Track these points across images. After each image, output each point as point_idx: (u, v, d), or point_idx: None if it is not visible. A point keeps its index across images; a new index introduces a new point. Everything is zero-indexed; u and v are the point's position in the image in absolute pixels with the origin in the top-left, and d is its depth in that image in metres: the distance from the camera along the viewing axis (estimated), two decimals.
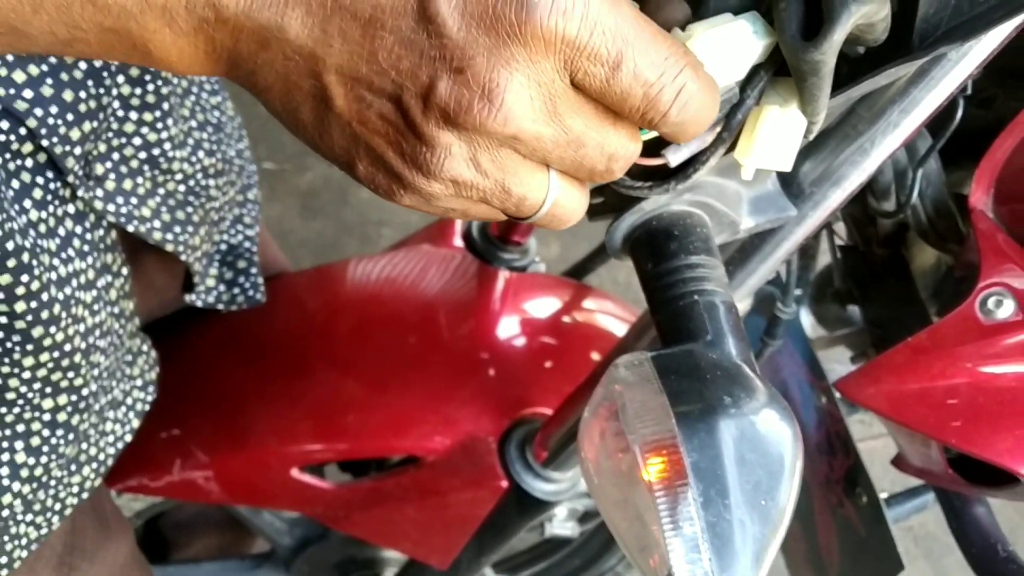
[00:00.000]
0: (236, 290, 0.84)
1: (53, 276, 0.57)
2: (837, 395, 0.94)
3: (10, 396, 0.58)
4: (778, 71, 0.44)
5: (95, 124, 0.59)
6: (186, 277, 0.80)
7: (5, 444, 0.59)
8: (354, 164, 0.38)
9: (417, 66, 0.34)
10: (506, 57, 0.34)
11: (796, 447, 0.43)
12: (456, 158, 0.36)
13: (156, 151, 0.66)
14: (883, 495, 0.93)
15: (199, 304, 0.81)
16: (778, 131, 0.44)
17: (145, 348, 0.70)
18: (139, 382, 0.70)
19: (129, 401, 0.69)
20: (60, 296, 0.57)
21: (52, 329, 0.57)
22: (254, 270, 0.85)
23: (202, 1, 0.33)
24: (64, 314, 0.57)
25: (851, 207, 0.78)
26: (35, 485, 0.61)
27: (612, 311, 0.97)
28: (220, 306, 0.83)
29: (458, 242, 0.95)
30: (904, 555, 0.86)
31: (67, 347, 0.58)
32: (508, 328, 0.89)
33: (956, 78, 0.48)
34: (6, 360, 0.56)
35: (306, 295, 0.92)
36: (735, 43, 0.41)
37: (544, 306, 0.93)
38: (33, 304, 0.54)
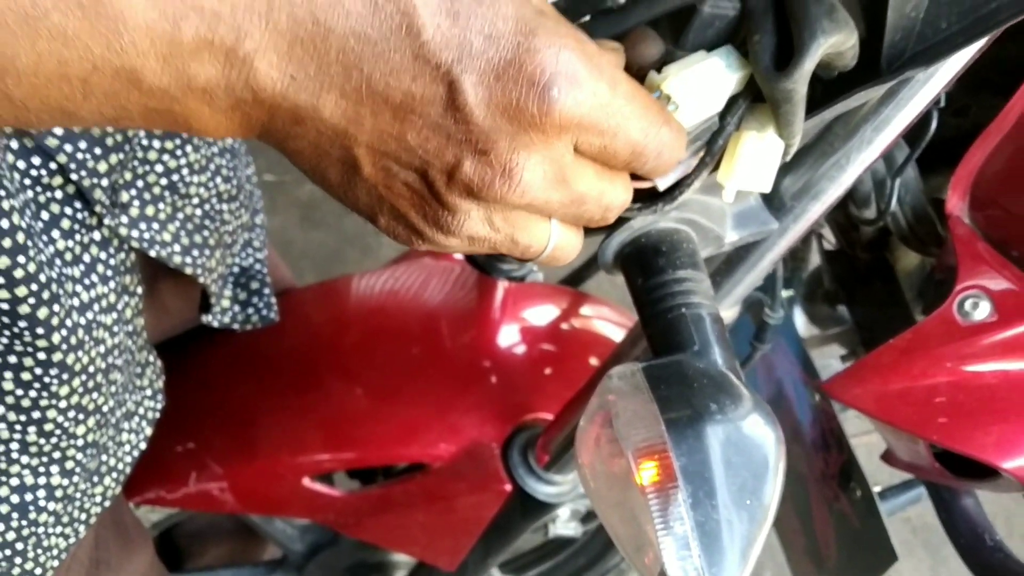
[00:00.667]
0: (250, 310, 0.87)
1: (76, 302, 0.59)
2: None
3: (48, 427, 0.60)
4: (756, 98, 0.47)
5: (121, 156, 0.62)
6: (202, 299, 0.83)
7: (42, 470, 0.62)
8: (376, 218, 0.42)
9: (444, 147, 0.38)
10: (525, 141, 0.38)
11: (779, 450, 0.46)
12: (474, 220, 0.41)
13: (176, 177, 0.69)
14: (877, 488, 0.96)
15: (215, 324, 0.84)
16: (757, 154, 0.47)
17: (152, 359, 0.73)
18: (148, 392, 0.73)
19: (141, 411, 0.72)
20: (83, 321, 0.59)
21: (80, 354, 0.59)
22: (267, 290, 0.88)
23: (240, 84, 0.35)
24: (87, 338, 0.60)
25: (835, 214, 0.81)
26: (66, 502, 0.64)
27: (609, 317, 1.00)
28: (235, 326, 0.86)
29: (458, 255, 0.98)
30: (902, 545, 0.89)
31: (91, 369, 0.61)
32: (508, 337, 0.92)
33: (925, 97, 0.51)
34: (44, 394, 0.59)
35: (313, 310, 0.95)
36: (708, 80, 0.44)
37: (543, 314, 0.96)
38: (64, 332, 0.57)
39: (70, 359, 0.59)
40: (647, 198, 0.49)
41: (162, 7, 0.32)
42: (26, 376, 0.57)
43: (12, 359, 0.56)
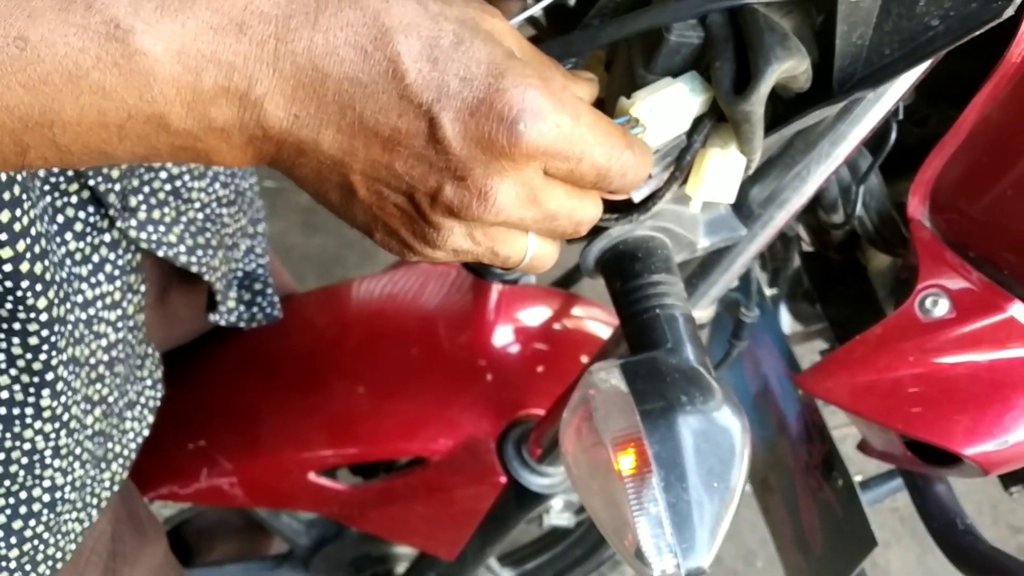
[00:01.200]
0: (255, 309, 0.92)
1: (79, 299, 0.65)
2: None
3: (73, 424, 0.65)
4: (720, 118, 0.51)
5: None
6: (208, 300, 0.88)
7: (66, 465, 0.67)
8: (372, 233, 0.48)
9: (427, 173, 0.43)
10: (498, 168, 0.43)
11: (744, 438, 0.50)
12: (457, 235, 0.46)
13: (178, 183, 0.74)
14: (859, 478, 0.99)
15: (223, 323, 0.89)
16: (721, 169, 0.52)
17: (150, 351, 0.79)
18: (148, 382, 0.78)
19: (143, 400, 0.77)
20: (84, 316, 0.65)
21: (81, 348, 0.65)
22: (270, 290, 0.93)
23: (252, 123, 0.41)
24: (87, 332, 0.65)
25: (808, 218, 0.85)
26: (81, 490, 0.70)
27: (598, 317, 1.04)
28: (242, 324, 0.91)
29: None
30: (890, 535, 0.91)
31: (92, 360, 0.67)
32: (502, 337, 0.96)
33: (876, 114, 0.56)
34: (68, 391, 0.64)
35: (316, 314, 0.99)
36: (673, 103, 0.49)
37: (535, 315, 1.00)
38: (68, 328, 0.62)
39: (78, 352, 0.64)
40: (623, 209, 0.54)
41: (185, 62, 0.38)
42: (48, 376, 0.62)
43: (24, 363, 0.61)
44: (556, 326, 1.00)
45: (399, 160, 0.43)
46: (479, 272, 0.87)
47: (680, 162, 0.52)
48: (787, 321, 1.16)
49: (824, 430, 1.00)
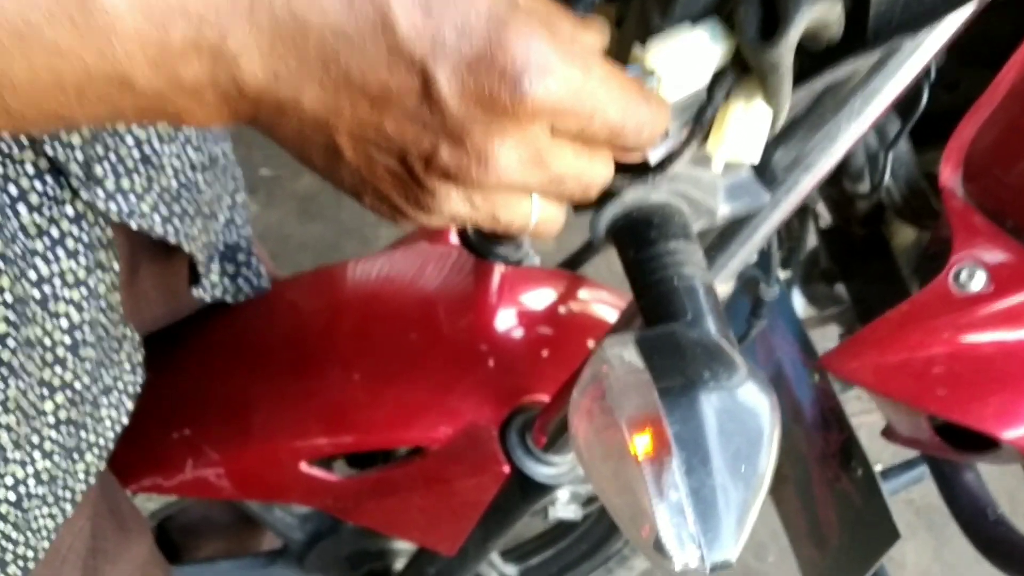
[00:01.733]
0: (240, 280, 0.88)
1: (32, 276, 0.60)
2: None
3: (30, 412, 0.61)
4: (743, 69, 0.47)
5: (92, 126, 0.62)
6: (191, 273, 0.83)
7: (27, 459, 0.62)
8: (361, 197, 0.44)
9: (421, 135, 0.40)
10: (499, 129, 0.39)
11: (774, 417, 0.45)
12: (454, 200, 0.42)
13: (147, 148, 0.69)
14: (879, 467, 0.96)
15: (207, 298, 0.84)
16: (745, 125, 0.48)
17: (129, 333, 0.74)
18: (127, 366, 0.73)
19: (120, 385, 0.72)
20: (37, 294, 0.60)
21: (34, 327, 0.60)
22: (254, 259, 0.89)
23: (226, 82, 0.37)
24: (40, 310, 0.61)
25: (829, 189, 0.81)
26: (50, 483, 0.65)
27: (606, 299, 1.00)
28: (228, 298, 0.87)
29: (454, 239, 0.98)
30: (906, 527, 0.88)
31: (47, 342, 0.62)
32: (505, 320, 0.92)
33: (914, 66, 0.51)
34: (22, 374, 0.59)
35: (307, 297, 0.95)
36: (692, 52, 0.44)
37: (540, 297, 0.96)
38: (19, 306, 0.58)
39: (31, 332, 0.59)
40: (637, 171, 0.50)
41: (149, 14, 0.34)
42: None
43: None
44: (562, 309, 0.96)
45: (389, 120, 0.39)
46: (481, 252, 0.83)
47: (700, 118, 0.48)
48: (800, 305, 1.13)
49: (842, 417, 0.96)
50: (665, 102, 0.44)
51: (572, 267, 1.10)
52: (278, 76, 0.37)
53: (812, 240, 1.04)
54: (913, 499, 1.77)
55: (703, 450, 0.43)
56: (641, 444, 0.44)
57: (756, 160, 0.48)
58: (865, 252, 0.86)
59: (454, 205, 0.43)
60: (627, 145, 0.44)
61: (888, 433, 0.82)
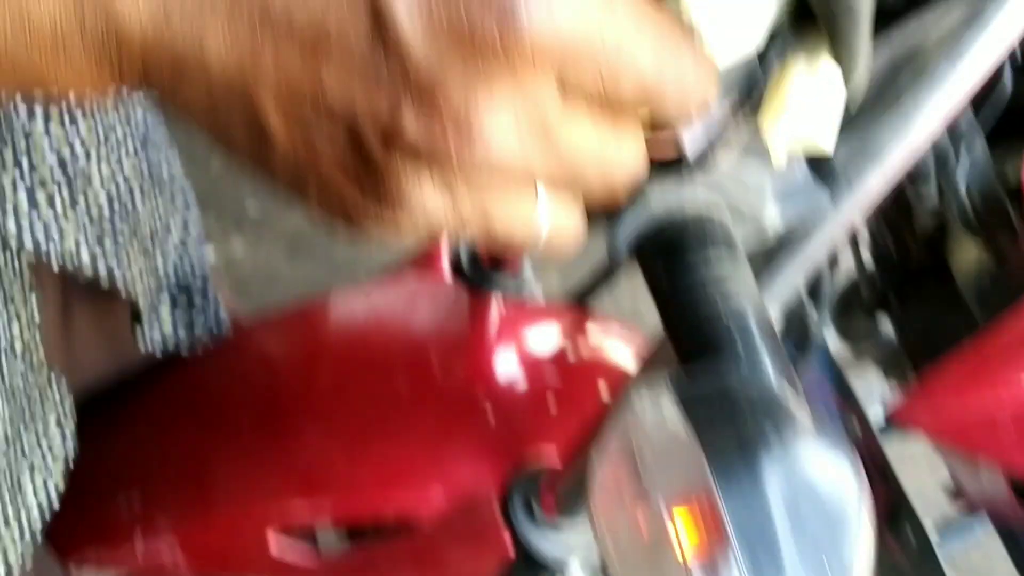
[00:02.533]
0: (197, 327, 0.76)
1: None
2: (871, 418, 0.86)
3: None
4: (805, 22, 0.36)
5: None
6: (133, 320, 0.71)
7: None
8: (303, 193, 0.32)
9: (374, 93, 0.28)
10: (484, 80, 0.28)
11: (861, 492, 0.34)
12: (427, 189, 0.30)
13: (66, 151, 0.57)
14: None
15: (155, 351, 0.72)
16: (810, 96, 0.36)
17: (53, 377, 0.61)
18: (53, 417, 0.61)
19: (45, 444, 0.60)
20: None
21: None
22: (211, 299, 0.77)
23: (97, 27, 0.28)
24: None
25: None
26: None
27: (621, 337, 0.90)
28: (181, 350, 0.75)
29: (447, 271, 0.88)
30: None
31: None
32: (506, 363, 0.82)
33: (1016, 21, 0.40)
34: None
35: (276, 340, 0.85)
36: (741, 3, 0.33)
37: (544, 335, 0.86)
38: None
39: None
40: (668, 164, 0.38)
41: None
42: None
43: None
44: (570, 350, 0.86)
45: (329, 74, 0.28)
46: (474, 280, 0.72)
47: (751, 91, 0.36)
48: (832, 342, 1.03)
49: (888, 470, 0.85)
50: (712, 58, 0.33)
51: (581, 301, 0.99)
52: (169, 14, 0.28)
53: (848, 261, 0.94)
54: (953, 558, 1.64)
55: (771, 540, 0.32)
56: (684, 529, 0.33)
57: (830, 144, 0.37)
58: (921, 277, 0.74)
59: (427, 197, 0.30)
60: (666, 108, 0.31)
61: (955, 492, 0.71)
